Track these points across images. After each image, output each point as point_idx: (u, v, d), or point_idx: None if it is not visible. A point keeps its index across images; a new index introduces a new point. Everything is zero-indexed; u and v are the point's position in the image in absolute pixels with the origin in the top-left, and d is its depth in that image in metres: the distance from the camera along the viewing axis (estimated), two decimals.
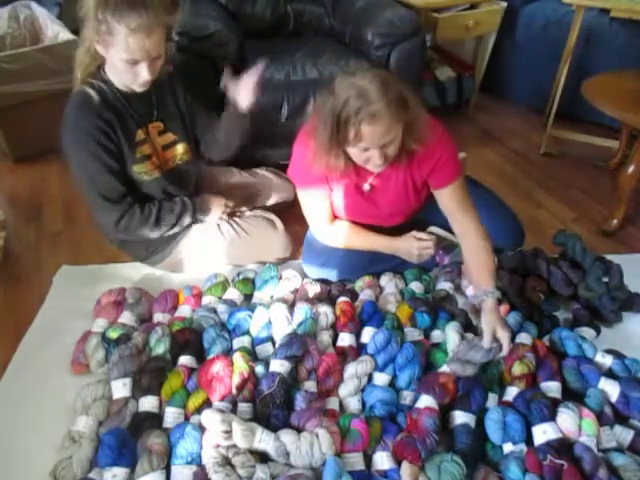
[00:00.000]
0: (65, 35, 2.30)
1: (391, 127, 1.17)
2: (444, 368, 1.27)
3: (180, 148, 1.54)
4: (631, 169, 1.76)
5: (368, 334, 1.37)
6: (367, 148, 1.21)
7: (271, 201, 1.82)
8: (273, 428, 1.12)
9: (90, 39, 1.30)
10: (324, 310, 1.42)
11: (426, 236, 1.51)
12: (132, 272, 1.65)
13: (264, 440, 1.07)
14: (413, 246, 1.50)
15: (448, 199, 1.38)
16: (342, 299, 1.47)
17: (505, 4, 2.52)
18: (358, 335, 1.39)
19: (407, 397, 1.24)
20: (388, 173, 1.38)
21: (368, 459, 1.12)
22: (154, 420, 1.18)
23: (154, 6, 1.26)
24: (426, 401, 1.17)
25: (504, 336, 1.23)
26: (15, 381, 1.31)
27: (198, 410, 1.17)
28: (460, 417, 1.15)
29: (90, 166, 1.39)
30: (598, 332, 1.43)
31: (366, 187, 1.43)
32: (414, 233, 1.52)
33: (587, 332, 1.40)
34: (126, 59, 1.28)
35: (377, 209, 1.47)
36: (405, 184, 1.40)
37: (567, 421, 1.12)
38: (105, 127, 1.36)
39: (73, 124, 1.37)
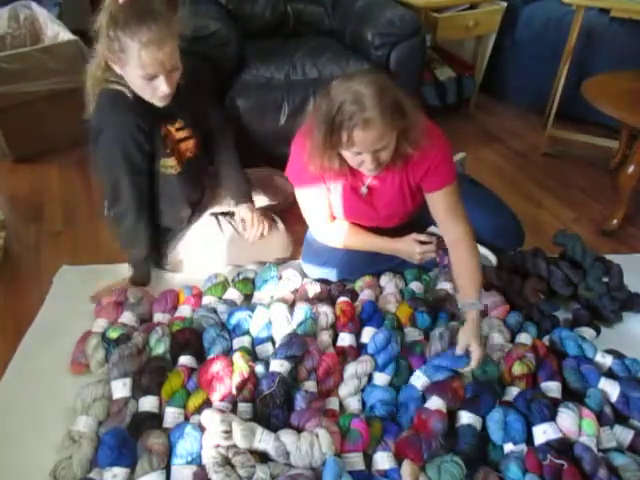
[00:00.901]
0: (65, 35, 2.30)
1: (384, 134, 1.17)
2: (417, 373, 1.27)
3: (192, 142, 1.54)
4: (631, 169, 1.76)
5: (368, 334, 1.37)
6: (360, 152, 1.22)
7: (271, 201, 1.82)
8: (273, 428, 1.12)
9: (103, 54, 1.31)
10: (324, 310, 1.42)
11: (427, 238, 1.51)
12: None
13: (264, 440, 1.07)
14: (415, 250, 1.50)
15: (439, 204, 1.37)
16: (342, 299, 1.47)
17: (505, 4, 2.52)
18: (358, 335, 1.40)
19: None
20: (384, 176, 1.38)
21: (368, 459, 1.12)
22: (154, 420, 1.18)
23: (163, 17, 1.26)
24: (437, 403, 1.17)
25: (475, 352, 1.21)
26: (15, 381, 1.31)
27: (198, 410, 1.17)
28: (467, 418, 1.15)
29: (120, 166, 1.38)
30: (598, 332, 1.43)
31: (363, 190, 1.43)
32: (414, 236, 1.51)
33: (587, 332, 1.40)
34: (142, 75, 1.28)
35: (374, 211, 1.47)
36: (401, 187, 1.41)
37: (567, 421, 1.12)
38: (142, 124, 1.36)
39: (111, 123, 1.36)
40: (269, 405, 1.16)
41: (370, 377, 1.29)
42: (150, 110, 1.38)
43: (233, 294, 1.53)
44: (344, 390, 1.25)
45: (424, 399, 1.21)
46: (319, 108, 1.20)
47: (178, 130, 1.49)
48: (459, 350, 1.23)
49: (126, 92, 1.35)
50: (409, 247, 1.51)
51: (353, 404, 1.24)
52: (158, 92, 1.33)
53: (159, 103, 1.37)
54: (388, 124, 1.16)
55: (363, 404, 1.25)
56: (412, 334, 1.39)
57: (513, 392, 1.22)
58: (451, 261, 1.35)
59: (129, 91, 1.35)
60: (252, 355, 1.32)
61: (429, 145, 1.28)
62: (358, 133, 1.15)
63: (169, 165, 1.47)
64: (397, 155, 1.29)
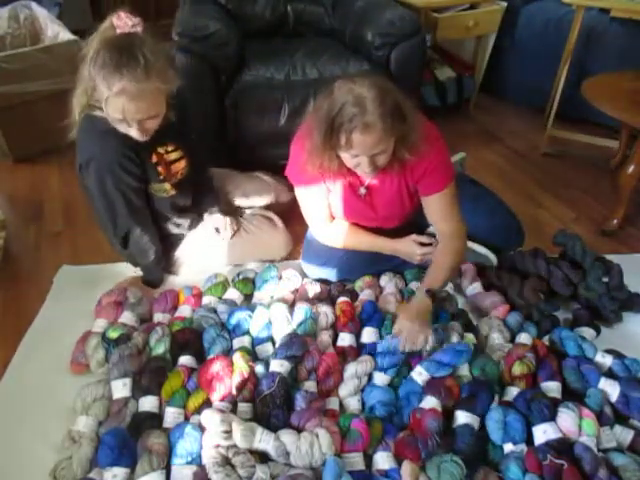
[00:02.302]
0: (65, 35, 2.30)
1: (383, 139, 1.18)
2: (419, 369, 1.24)
3: (184, 162, 1.52)
4: (631, 169, 1.76)
5: (368, 334, 1.37)
6: (357, 155, 1.22)
7: (268, 201, 1.82)
8: (273, 428, 1.12)
9: (88, 80, 1.26)
10: (324, 310, 1.42)
11: (427, 239, 1.51)
12: (132, 272, 1.64)
13: (264, 440, 1.07)
14: (415, 251, 1.50)
15: (432, 207, 1.39)
16: (342, 299, 1.47)
17: (505, 4, 2.52)
18: (358, 335, 1.39)
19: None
20: (382, 176, 1.39)
21: (369, 459, 1.12)
22: (154, 420, 1.18)
23: (146, 70, 1.19)
24: (431, 402, 1.17)
25: (398, 330, 1.29)
26: (15, 381, 1.31)
27: (198, 410, 1.17)
28: (464, 418, 1.15)
29: (113, 194, 1.37)
30: (598, 332, 1.43)
31: (362, 191, 1.43)
32: (414, 237, 1.51)
33: (587, 332, 1.40)
34: (113, 117, 1.25)
35: (373, 211, 1.48)
36: (399, 188, 1.41)
37: (567, 421, 1.12)
38: (128, 152, 1.34)
39: (99, 153, 1.33)
40: (269, 405, 1.16)
41: (370, 377, 1.28)
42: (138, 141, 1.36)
43: (233, 294, 1.53)
44: (344, 390, 1.25)
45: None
46: (320, 108, 1.20)
47: (170, 152, 1.47)
48: (394, 330, 1.31)
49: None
50: (409, 248, 1.51)
51: (353, 404, 1.24)
52: (130, 133, 1.30)
53: (137, 138, 1.33)
54: (387, 129, 1.16)
55: (363, 404, 1.25)
56: None
57: (513, 392, 1.22)
58: (431, 265, 1.41)
59: None
60: (252, 355, 1.32)
61: (427, 149, 1.28)
62: (357, 136, 1.15)
63: (163, 189, 1.47)
64: (394, 159, 1.29)
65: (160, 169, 1.44)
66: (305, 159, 1.30)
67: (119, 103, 1.21)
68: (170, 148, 1.47)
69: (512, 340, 1.38)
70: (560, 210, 2.02)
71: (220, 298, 1.52)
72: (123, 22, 1.21)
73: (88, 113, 1.33)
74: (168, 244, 1.59)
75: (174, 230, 1.59)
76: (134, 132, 1.29)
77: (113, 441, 1.08)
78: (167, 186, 1.47)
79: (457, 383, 1.21)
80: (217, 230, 1.65)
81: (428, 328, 1.29)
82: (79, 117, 1.34)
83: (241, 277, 1.59)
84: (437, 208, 1.39)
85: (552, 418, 1.13)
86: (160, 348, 1.31)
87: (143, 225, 1.46)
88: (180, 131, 1.49)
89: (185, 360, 1.30)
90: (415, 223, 1.56)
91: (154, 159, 1.43)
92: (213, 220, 1.65)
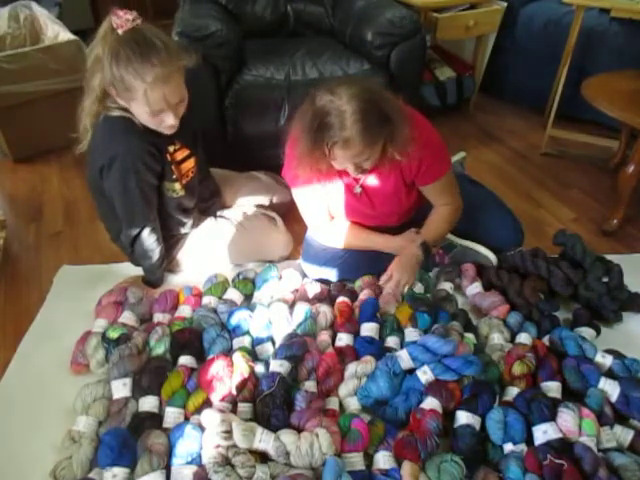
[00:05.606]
0: (65, 35, 2.30)
1: (364, 150, 1.18)
2: (425, 369, 1.23)
3: (192, 161, 1.53)
4: (631, 169, 1.76)
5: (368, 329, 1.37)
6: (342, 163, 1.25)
7: (268, 201, 1.82)
8: (273, 428, 1.12)
9: (99, 88, 1.28)
10: (324, 310, 1.42)
11: None
12: (132, 272, 1.64)
13: (264, 440, 1.07)
14: (419, 240, 1.50)
15: (431, 192, 1.45)
16: (340, 299, 1.47)
17: (505, 4, 2.52)
18: (357, 335, 1.39)
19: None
20: (378, 174, 1.39)
21: (369, 459, 1.11)
22: (154, 420, 1.18)
23: (167, 51, 1.23)
24: (432, 403, 1.16)
25: (395, 274, 1.44)
26: (15, 381, 1.31)
27: (198, 410, 1.17)
28: (465, 418, 1.14)
29: (134, 192, 1.37)
30: (598, 332, 1.42)
31: (357, 190, 1.43)
32: (415, 230, 1.52)
33: (587, 332, 1.40)
34: (149, 111, 1.27)
35: (371, 209, 1.48)
36: (395, 185, 1.41)
37: (567, 421, 1.12)
38: (153, 149, 1.36)
39: (125, 150, 1.33)
40: (269, 405, 1.16)
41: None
42: (157, 135, 1.38)
43: (233, 294, 1.52)
44: (344, 390, 1.25)
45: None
46: (304, 116, 1.20)
47: (176, 151, 1.47)
48: (384, 276, 1.47)
49: (132, 118, 1.33)
50: (412, 239, 1.50)
51: (353, 404, 1.24)
52: (165, 124, 1.32)
53: (166, 132, 1.36)
54: (368, 141, 1.16)
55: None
56: (412, 334, 1.39)
57: (513, 392, 1.22)
58: (427, 219, 1.51)
59: (134, 116, 1.33)
60: (252, 355, 1.32)
61: (419, 146, 1.27)
62: (338, 150, 1.17)
63: (174, 189, 1.48)
64: (385, 158, 1.29)
65: (173, 168, 1.45)
66: (296, 166, 1.31)
67: (159, 91, 1.23)
68: (177, 146, 1.47)
69: (512, 340, 1.38)
70: (560, 210, 2.02)
71: (220, 298, 1.52)
72: (123, 20, 1.21)
73: (106, 114, 1.34)
74: (169, 244, 1.59)
75: (181, 230, 1.60)
76: (171, 120, 1.30)
77: (113, 441, 1.08)
78: (177, 186, 1.48)
79: (459, 387, 1.21)
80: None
81: (412, 276, 1.46)
82: (90, 125, 1.35)
83: (241, 277, 1.59)
84: (436, 192, 1.44)
85: (552, 418, 1.13)
86: (160, 348, 1.31)
87: (154, 224, 1.46)
88: (186, 130, 1.50)
89: (185, 360, 1.30)
90: (415, 222, 1.56)
91: (168, 158, 1.44)
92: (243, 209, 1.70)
